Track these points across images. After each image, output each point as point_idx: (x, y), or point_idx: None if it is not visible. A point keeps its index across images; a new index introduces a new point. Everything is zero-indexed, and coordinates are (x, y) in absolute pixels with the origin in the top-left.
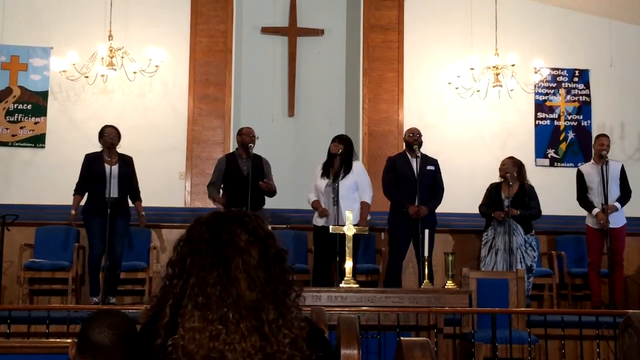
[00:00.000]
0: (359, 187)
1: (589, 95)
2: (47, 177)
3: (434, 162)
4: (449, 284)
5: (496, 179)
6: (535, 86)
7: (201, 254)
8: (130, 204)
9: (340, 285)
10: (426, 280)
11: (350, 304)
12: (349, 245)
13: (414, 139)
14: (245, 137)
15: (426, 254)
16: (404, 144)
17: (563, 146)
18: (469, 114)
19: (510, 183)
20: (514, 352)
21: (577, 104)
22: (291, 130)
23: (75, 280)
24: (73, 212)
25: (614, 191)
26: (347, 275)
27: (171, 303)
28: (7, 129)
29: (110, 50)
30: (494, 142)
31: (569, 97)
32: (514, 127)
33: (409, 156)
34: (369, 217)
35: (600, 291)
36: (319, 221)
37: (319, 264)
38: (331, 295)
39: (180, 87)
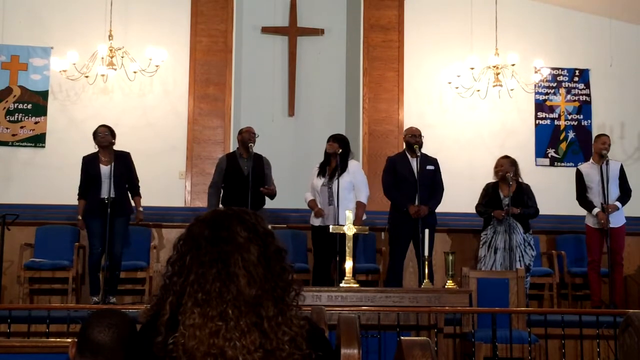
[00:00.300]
0: (354, 187)
1: (589, 95)
2: (47, 177)
3: (434, 162)
4: (449, 284)
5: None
6: (535, 86)
7: (201, 251)
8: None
9: (341, 284)
10: (426, 280)
11: (350, 303)
12: (349, 245)
13: (415, 140)
14: (246, 135)
15: (426, 253)
16: (404, 144)
17: (563, 146)
18: (469, 114)
19: (511, 182)
20: (514, 351)
21: (577, 104)
22: (291, 130)
23: (75, 279)
24: (80, 217)
25: (613, 191)
26: (347, 274)
27: (171, 300)
28: (7, 128)
29: (111, 50)
30: (494, 141)
31: (569, 96)
32: (514, 127)
33: (409, 156)
34: (364, 217)
35: (601, 291)
36: (315, 221)
37: (319, 263)
38: (331, 295)
39: (181, 87)
